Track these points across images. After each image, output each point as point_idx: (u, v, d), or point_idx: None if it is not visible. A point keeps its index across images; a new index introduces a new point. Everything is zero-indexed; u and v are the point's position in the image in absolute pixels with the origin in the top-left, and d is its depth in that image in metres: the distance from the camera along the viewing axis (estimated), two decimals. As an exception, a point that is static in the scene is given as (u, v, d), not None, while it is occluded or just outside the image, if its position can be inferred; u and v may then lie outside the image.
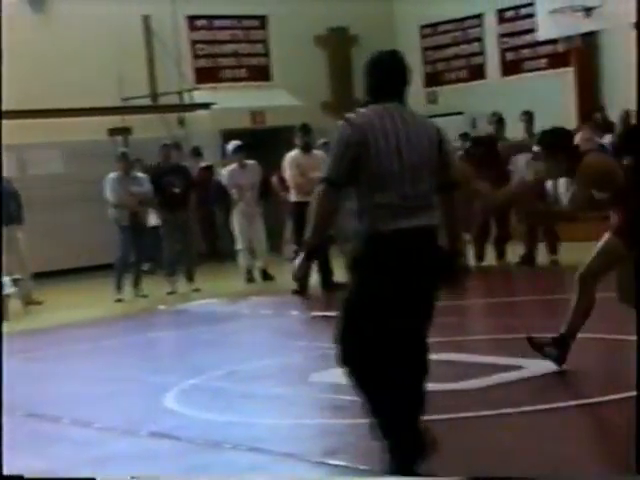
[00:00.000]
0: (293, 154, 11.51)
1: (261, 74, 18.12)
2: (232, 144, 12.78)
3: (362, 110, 4.17)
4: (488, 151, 12.00)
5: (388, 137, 4.07)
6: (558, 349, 6.10)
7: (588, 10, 14.04)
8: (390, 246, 4.06)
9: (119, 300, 11.89)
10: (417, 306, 4.15)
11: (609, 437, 4.98)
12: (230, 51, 17.87)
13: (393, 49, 4.36)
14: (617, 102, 16.12)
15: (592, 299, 6.02)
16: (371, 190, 4.07)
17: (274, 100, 17.42)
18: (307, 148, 11.42)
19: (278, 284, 12.15)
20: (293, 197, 11.45)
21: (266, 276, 12.70)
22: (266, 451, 4.98)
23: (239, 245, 12.63)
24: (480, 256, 12.04)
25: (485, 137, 13.04)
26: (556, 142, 6.03)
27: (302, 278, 4.25)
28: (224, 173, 12.93)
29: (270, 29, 18.19)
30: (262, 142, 16.04)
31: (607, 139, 15.80)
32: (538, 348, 6.17)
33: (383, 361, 4.11)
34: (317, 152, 11.82)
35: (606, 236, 6.01)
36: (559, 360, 6.11)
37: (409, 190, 4.07)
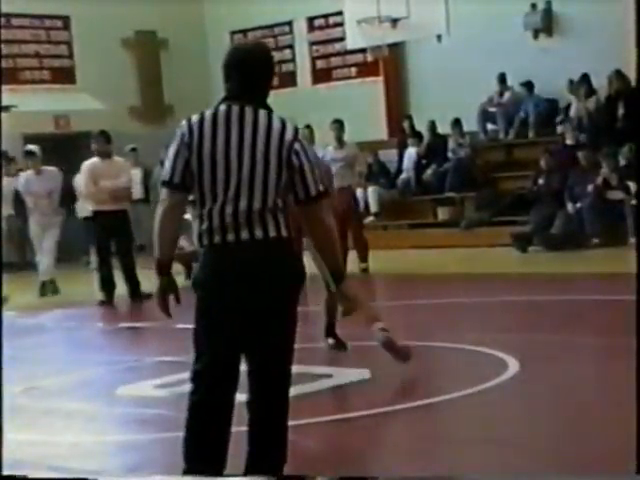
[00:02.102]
0: (91, 161, 11.18)
1: (65, 76, 17.56)
2: (26, 149, 12.33)
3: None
4: None
5: (215, 141, 3.67)
6: None
7: (395, 21, 14.28)
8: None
9: None
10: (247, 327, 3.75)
11: (419, 440, 5.00)
12: (31, 52, 17.26)
13: (257, 42, 4.06)
14: (424, 112, 16.53)
15: None
16: (199, 197, 3.73)
17: (79, 104, 16.91)
18: (105, 155, 11.10)
19: (85, 295, 11.75)
20: (88, 206, 11.14)
21: (45, 288, 12.06)
22: (66, 469, 4.72)
23: (38, 256, 12.17)
24: None
25: None
26: None
27: (162, 302, 3.83)
28: (21, 180, 12.42)
29: (74, 30, 17.66)
30: (67, 147, 15.53)
31: (412, 151, 16.18)
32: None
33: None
34: (118, 159, 11.55)
35: None
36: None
37: (233, 200, 3.65)
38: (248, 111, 3.70)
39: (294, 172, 3.69)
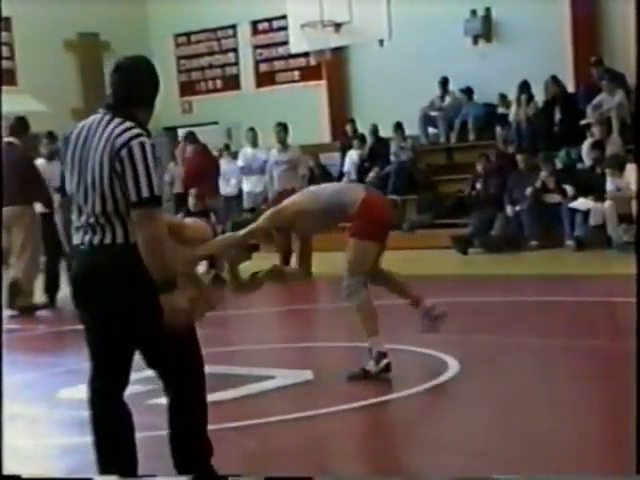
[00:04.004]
0: (39, 163, 11.05)
1: (6, 78, 17.32)
2: None
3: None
4: None
5: (75, 151, 3.87)
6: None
7: (338, 25, 14.37)
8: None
9: None
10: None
11: (359, 441, 5.04)
12: (-30, 52, 17.04)
13: (140, 56, 4.11)
14: (366, 115, 16.65)
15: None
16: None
17: (19, 105, 16.65)
18: (52, 157, 11.01)
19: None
20: (38, 208, 11.00)
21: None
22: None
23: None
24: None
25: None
26: None
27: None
28: None
29: (15, 31, 17.47)
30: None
31: (354, 154, 16.26)
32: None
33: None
34: None
35: (351, 242, 6.28)
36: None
37: (83, 207, 3.85)
38: (106, 120, 3.82)
39: (122, 178, 3.72)
